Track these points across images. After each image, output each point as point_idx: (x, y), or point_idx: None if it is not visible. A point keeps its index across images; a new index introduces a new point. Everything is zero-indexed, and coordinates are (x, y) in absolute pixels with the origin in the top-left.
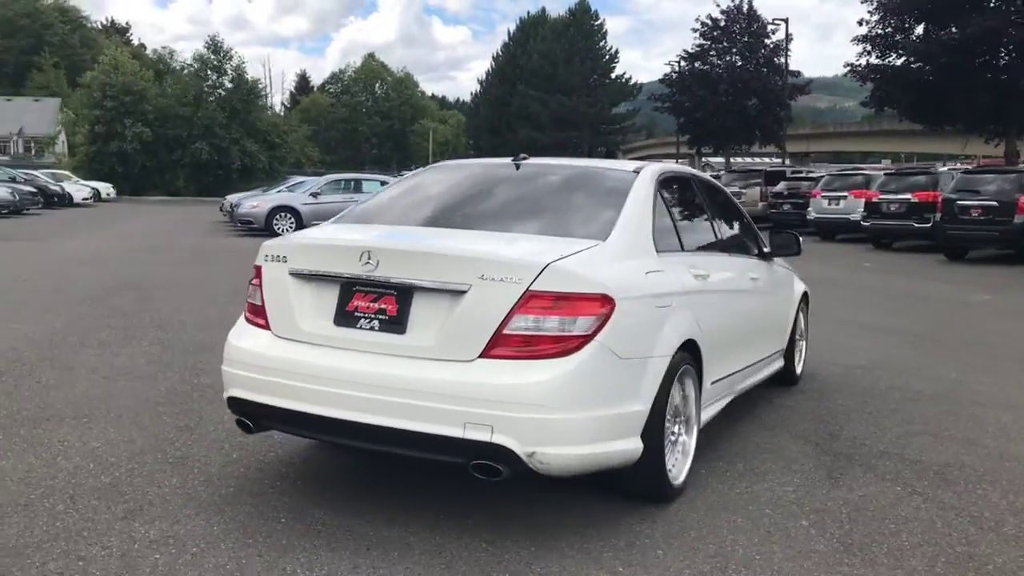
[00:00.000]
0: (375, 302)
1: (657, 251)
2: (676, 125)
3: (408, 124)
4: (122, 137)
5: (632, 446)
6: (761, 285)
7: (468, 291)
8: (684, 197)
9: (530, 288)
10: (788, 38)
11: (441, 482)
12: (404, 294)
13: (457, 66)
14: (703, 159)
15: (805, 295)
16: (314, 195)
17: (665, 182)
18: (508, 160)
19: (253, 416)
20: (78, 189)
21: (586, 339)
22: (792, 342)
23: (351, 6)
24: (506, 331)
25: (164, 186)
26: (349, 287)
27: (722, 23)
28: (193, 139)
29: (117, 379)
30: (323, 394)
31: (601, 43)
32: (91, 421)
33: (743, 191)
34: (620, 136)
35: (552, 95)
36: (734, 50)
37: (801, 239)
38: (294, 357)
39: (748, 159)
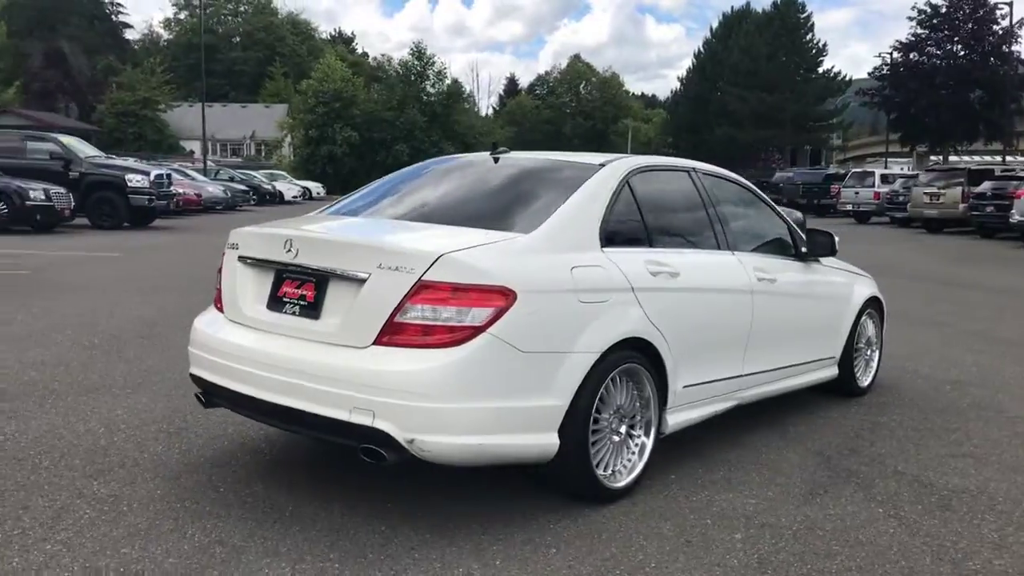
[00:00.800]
0: (299, 288)
1: (605, 246)
2: (887, 122)
3: (610, 124)
4: (332, 140)
5: (546, 441)
6: (786, 287)
7: (368, 279)
8: (667, 192)
9: (422, 278)
10: (1019, 23)
11: (396, 472)
12: (321, 281)
13: (669, 64)
14: (916, 156)
15: (874, 301)
16: None
17: (639, 176)
18: (488, 154)
19: (207, 393)
20: (289, 188)
21: (478, 330)
22: (851, 351)
23: (565, 9)
24: (399, 319)
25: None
26: (280, 274)
27: (943, 9)
28: (395, 142)
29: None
30: (251, 375)
31: (807, 37)
32: (134, 392)
33: (942, 192)
34: (825, 133)
35: (752, 91)
36: (956, 38)
37: (837, 240)
38: (234, 339)
39: (970, 158)
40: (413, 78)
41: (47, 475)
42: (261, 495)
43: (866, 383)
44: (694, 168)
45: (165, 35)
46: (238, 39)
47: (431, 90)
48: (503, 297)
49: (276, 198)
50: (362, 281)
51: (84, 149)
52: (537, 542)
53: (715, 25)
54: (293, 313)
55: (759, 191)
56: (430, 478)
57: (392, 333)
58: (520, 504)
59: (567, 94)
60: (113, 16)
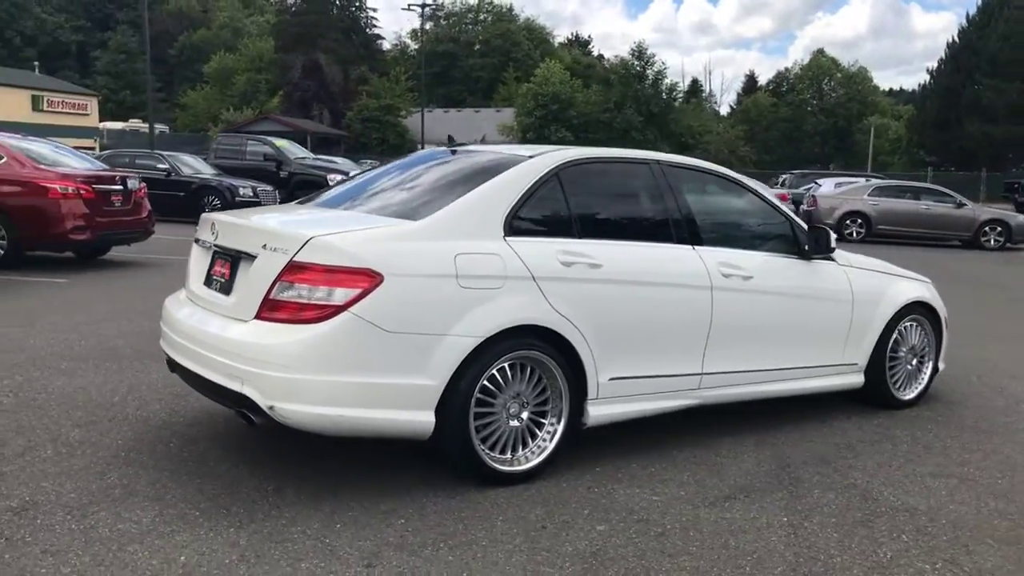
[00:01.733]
0: (222, 267)
1: (509, 235)
2: None
3: (854, 121)
4: (547, 142)
5: (420, 419)
6: (771, 285)
7: (257, 258)
8: (611, 185)
9: (293, 259)
10: None
11: (330, 449)
12: (234, 261)
13: (934, 56)
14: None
15: (921, 307)
16: None
17: (575, 169)
18: (445, 148)
19: (169, 362)
20: None
21: (340, 309)
22: (883, 359)
23: (819, 3)
24: (274, 296)
25: None
26: (214, 254)
27: None
28: (611, 143)
29: None
30: (182, 346)
31: None
32: (147, 360)
33: None
34: None
35: (1012, 83)
36: None
37: (833, 236)
38: (179, 314)
39: None
40: (632, 78)
41: (7, 421)
42: (160, 465)
43: (910, 396)
44: (657, 160)
45: (413, 45)
46: (478, 46)
47: (649, 90)
48: (368, 279)
49: None
50: (253, 259)
51: (295, 151)
52: (399, 513)
53: (972, 12)
54: (216, 289)
55: (755, 187)
56: (352, 452)
57: (270, 309)
58: (419, 480)
59: (808, 91)
60: (368, 29)
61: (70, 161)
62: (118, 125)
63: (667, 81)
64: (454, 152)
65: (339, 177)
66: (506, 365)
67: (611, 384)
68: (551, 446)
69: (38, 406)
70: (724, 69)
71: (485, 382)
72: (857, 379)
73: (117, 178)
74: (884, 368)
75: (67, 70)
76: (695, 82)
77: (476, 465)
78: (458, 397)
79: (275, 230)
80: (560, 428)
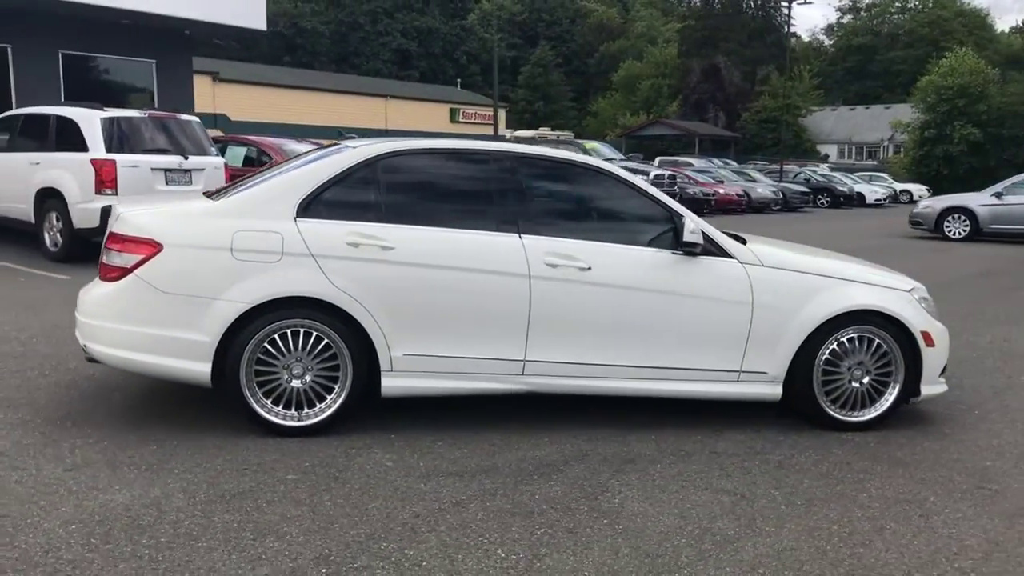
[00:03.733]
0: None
1: (301, 216)
2: None
3: None
4: (948, 140)
5: (198, 368)
6: (621, 279)
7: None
8: (432, 175)
9: (110, 229)
10: None
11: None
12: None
13: None
14: None
15: (880, 317)
16: (997, 195)
17: (396, 159)
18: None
19: None
20: (873, 190)
21: (127, 271)
22: (810, 373)
23: None
24: (102, 260)
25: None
26: None
27: None
28: None
29: None
30: None
31: None
32: None
33: None
34: None
35: None
36: None
37: (687, 230)
38: None
39: None
40: None
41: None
42: (72, 420)
43: (860, 418)
44: (503, 152)
45: (827, 41)
46: (902, 37)
47: None
48: (150, 247)
49: (853, 200)
50: None
51: (604, 153)
52: (219, 453)
53: None
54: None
55: (632, 178)
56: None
57: (102, 272)
58: (239, 431)
59: None
60: (782, 28)
61: None
62: (528, 133)
63: None
64: (339, 143)
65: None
66: (289, 332)
67: (406, 359)
68: (332, 409)
69: None
70: None
71: (266, 344)
72: (769, 390)
73: None
74: (812, 382)
75: (503, 84)
76: None
77: (254, 416)
78: (232, 354)
79: (116, 209)
80: (344, 393)
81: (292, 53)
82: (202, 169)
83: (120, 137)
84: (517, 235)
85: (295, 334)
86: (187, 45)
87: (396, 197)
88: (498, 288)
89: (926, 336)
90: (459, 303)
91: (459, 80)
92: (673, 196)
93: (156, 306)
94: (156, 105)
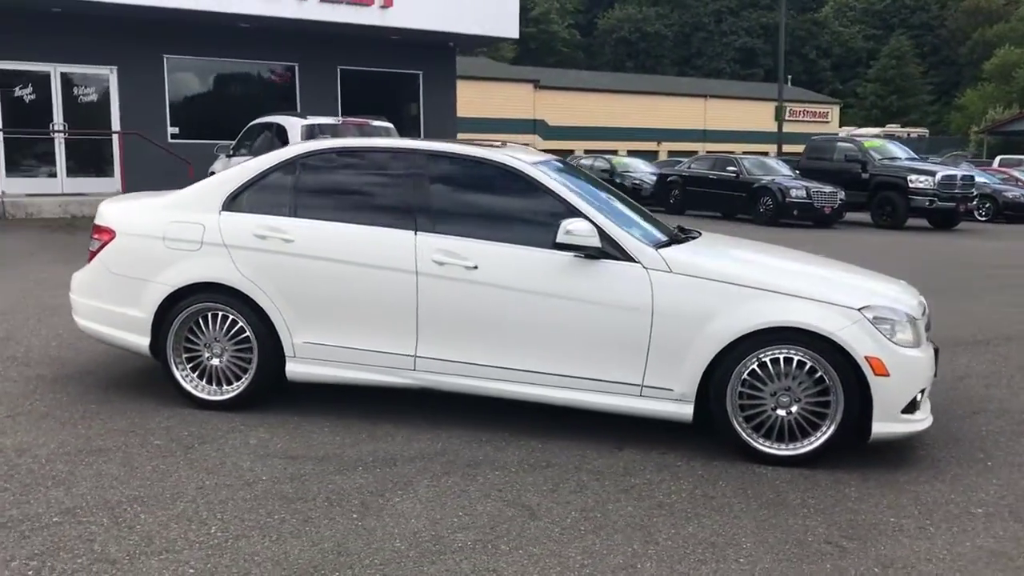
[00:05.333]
0: None
1: (226, 210)
2: None
3: None
4: None
5: (140, 342)
6: (508, 280)
7: None
8: (349, 173)
9: (94, 221)
10: None
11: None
12: None
13: None
14: None
15: (819, 340)
16: None
17: (318, 157)
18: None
19: None
20: None
21: (94, 255)
22: (723, 394)
23: None
24: (90, 248)
25: None
26: None
27: None
28: None
29: None
30: None
31: None
32: None
33: None
34: None
35: None
36: None
37: (564, 231)
38: None
39: None
40: None
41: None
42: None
43: (786, 452)
44: (414, 149)
45: None
46: None
47: None
48: (108, 234)
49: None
50: None
51: (892, 151)
52: (155, 416)
53: None
54: None
55: (543, 178)
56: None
57: (90, 256)
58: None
59: None
60: None
61: None
62: (872, 131)
63: None
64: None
65: (924, 179)
66: (210, 315)
67: (307, 347)
68: (243, 387)
69: None
70: None
71: (192, 324)
72: (676, 409)
73: None
74: (726, 405)
75: (852, 80)
76: None
77: (178, 387)
78: (162, 331)
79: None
80: (253, 373)
81: (635, 58)
82: None
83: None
84: (413, 231)
85: (215, 317)
86: (450, 56)
87: (309, 193)
88: (388, 283)
89: (874, 363)
90: (353, 296)
91: (790, 77)
92: (962, 200)
93: (110, 285)
94: (422, 112)
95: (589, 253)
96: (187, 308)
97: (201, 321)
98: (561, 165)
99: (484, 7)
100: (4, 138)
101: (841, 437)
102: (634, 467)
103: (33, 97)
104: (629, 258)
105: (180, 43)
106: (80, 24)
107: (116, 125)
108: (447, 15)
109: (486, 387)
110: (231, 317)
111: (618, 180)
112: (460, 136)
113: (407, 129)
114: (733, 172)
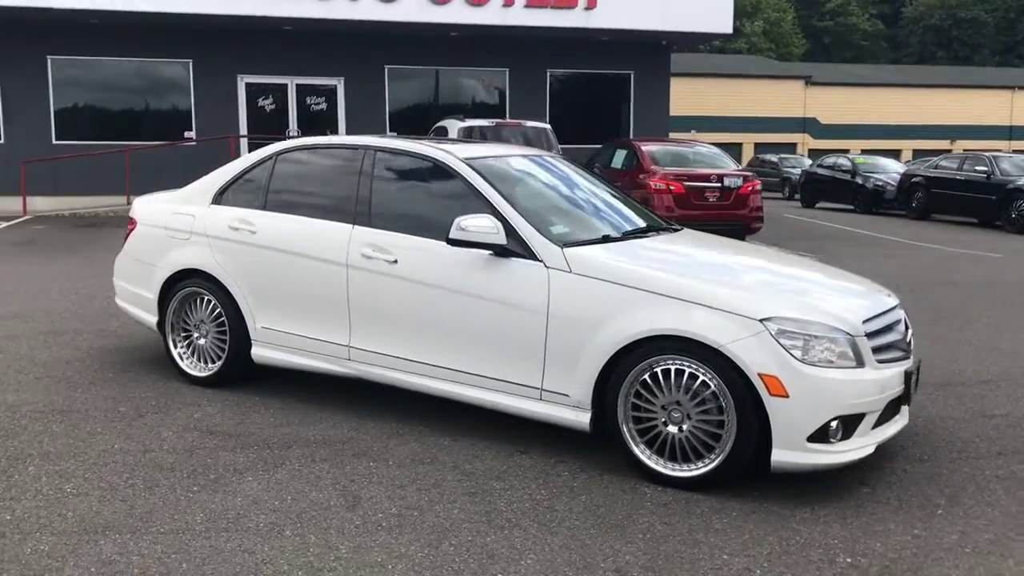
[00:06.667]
0: None
1: (215, 203)
2: None
3: None
4: None
5: (150, 319)
6: (419, 275)
7: None
8: (313, 169)
9: (129, 215)
10: None
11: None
12: None
13: None
14: None
15: (716, 354)
16: None
17: (289, 155)
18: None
19: None
20: None
21: (124, 242)
22: (615, 406)
23: None
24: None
25: None
26: None
27: None
28: None
29: None
30: None
31: None
32: None
33: None
34: None
35: None
36: None
37: (456, 228)
38: None
39: None
40: None
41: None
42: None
43: (681, 474)
44: (366, 146)
45: None
46: None
47: None
48: (133, 224)
49: None
50: None
51: None
52: (132, 392)
53: None
54: None
55: (468, 173)
56: None
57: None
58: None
59: None
60: None
61: (693, 164)
62: None
63: None
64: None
65: None
66: (199, 299)
67: (265, 331)
68: (219, 366)
69: None
70: None
71: (186, 306)
72: (574, 416)
73: (713, 177)
74: (617, 415)
75: None
76: None
77: (173, 363)
78: (164, 310)
79: None
80: (226, 353)
81: (946, 47)
82: None
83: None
84: (352, 225)
85: (201, 300)
86: (664, 54)
87: (280, 188)
88: (326, 275)
89: (769, 381)
90: (301, 286)
91: None
92: None
93: (132, 269)
94: (632, 112)
95: (496, 251)
96: (181, 291)
97: (191, 304)
98: (542, 160)
99: (692, 3)
100: (248, 143)
101: (736, 463)
102: (510, 472)
103: (272, 107)
104: (534, 256)
105: (399, 54)
106: (311, 40)
107: (342, 131)
108: (652, 13)
109: (407, 381)
110: (213, 301)
111: (859, 181)
112: (675, 135)
113: (617, 130)
114: (983, 172)
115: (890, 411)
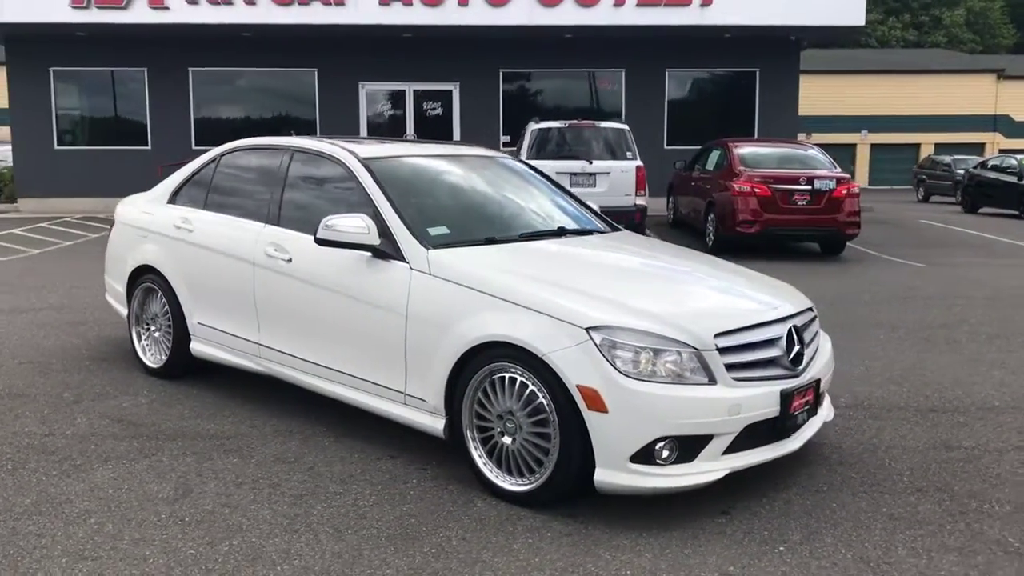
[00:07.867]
0: None
1: (170, 202)
2: None
3: None
4: None
5: (124, 312)
6: (307, 274)
7: None
8: (247, 168)
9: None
10: None
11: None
12: None
13: None
14: None
15: (542, 364)
16: None
17: (230, 156)
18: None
19: None
20: None
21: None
22: (460, 412)
23: None
24: None
25: None
26: None
27: None
28: None
29: None
30: None
31: None
32: None
33: None
34: None
35: None
36: None
37: (323, 228)
38: None
39: None
40: None
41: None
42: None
43: (512, 488)
44: (287, 147)
45: None
46: None
47: None
48: (112, 223)
49: None
50: None
51: None
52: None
53: None
54: None
55: (362, 174)
56: None
57: None
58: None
59: None
60: None
61: (787, 166)
62: None
63: None
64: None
65: None
66: (155, 293)
67: (200, 327)
68: (165, 359)
69: None
70: None
71: (145, 300)
72: (431, 422)
73: (802, 179)
74: (461, 424)
75: None
76: None
77: (134, 352)
78: (131, 305)
79: None
80: (169, 346)
81: None
82: (607, 172)
83: (542, 144)
84: (263, 224)
85: (155, 295)
86: (792, 50)
87: (220, 188)
88: (236, 272)
89: (587, 393)
90: (221, 283)
91: None
92: None
93: (110, 265)
94: (757, 111)
95: (373, 252)
96: (140, 285)
97: (149, 298)
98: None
99: None
100: None
101: (563, 479)
102: (360, 476)
103: (391, 112)
104: (403, 258)
105: (512, 57)
106: (427, 47)
107: (456, 135)
108: (773, 8)
109: (303, 380)
110: (163, 296)
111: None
112: (803, 137)
113: (742, 130)
114: None
115: (764, 435)
